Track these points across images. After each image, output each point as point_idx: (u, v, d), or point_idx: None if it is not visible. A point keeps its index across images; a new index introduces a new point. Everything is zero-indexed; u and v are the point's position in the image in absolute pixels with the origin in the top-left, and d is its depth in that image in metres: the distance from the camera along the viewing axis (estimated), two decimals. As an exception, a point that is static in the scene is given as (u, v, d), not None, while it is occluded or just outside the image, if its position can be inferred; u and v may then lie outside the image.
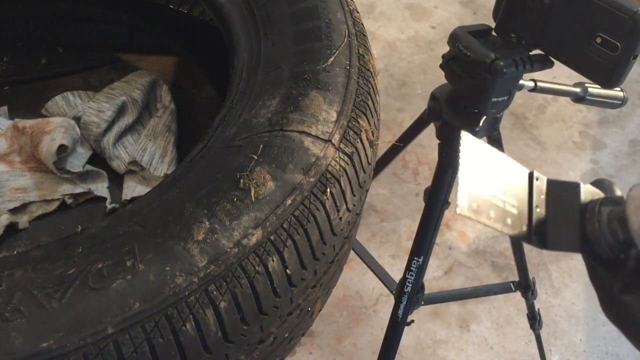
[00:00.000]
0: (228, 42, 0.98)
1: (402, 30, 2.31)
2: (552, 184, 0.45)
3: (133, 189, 1.20)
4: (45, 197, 1.16)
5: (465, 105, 0.82)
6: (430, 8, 2.42)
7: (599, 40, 0.64)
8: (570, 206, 0.44)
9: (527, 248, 1.09)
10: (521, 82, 0.77)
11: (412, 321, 1.06)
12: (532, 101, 2.07)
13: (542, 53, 0.72)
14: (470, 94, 0.77)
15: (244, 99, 0.83)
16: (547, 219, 0.44)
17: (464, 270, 1.57)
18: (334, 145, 0.75)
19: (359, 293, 1.49)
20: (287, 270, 0.68)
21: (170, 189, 0.71)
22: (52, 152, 1.12)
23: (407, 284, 0.97)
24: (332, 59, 0.84)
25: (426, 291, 1.04)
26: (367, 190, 0.86)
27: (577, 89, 0.80)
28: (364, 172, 0.81)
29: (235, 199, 0.67)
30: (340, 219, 0.75)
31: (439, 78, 0.81)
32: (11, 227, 1.12)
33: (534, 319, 1.26)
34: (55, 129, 1.16)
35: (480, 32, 0.76)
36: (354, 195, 0.78)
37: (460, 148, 0.42)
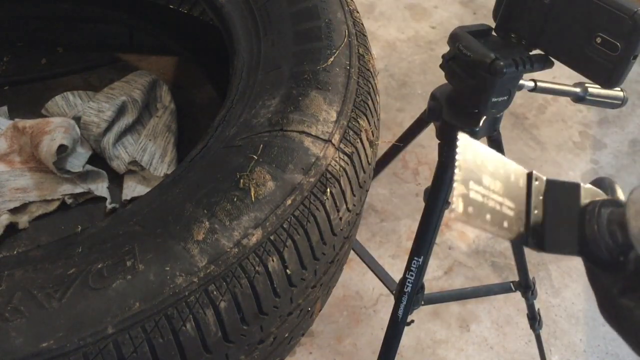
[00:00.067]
0: (228, 42, 0.98)
1: (402, 30, 2.31)
2: (551, 185, 0.44)
3: (133, 189, 1.20)
4: (45, 197, 1.16)
5: (465, 105, 0.82)
6: (430, 8, 2.42)
7: (599, 40, 0.64)
8: (569, 207, 0.43)
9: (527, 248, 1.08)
10: (521, 82, 0.77)
11: (412, 321, 1.06)
12: (532, 101, 2.07)
13: (542, 53, 0.72)
14: (470, 94, 0.77)
15: (244, 99, 0.83)
16: (545, 221, 0.43)
17: (464, 270, 1.57)
18: (334, 145, 0.75)
19: (359, 293, 1.49)
20: (287, 270, 0.68)
21: (170, 189, 0.71)
22: (52, 152, 1.12)
23: (407, 284, 0.97)
24: (332, 59, 0.84)
25: (426, 291, 1.04)
26: (367, 190, 0.86)
27: (577, 89, 0.80)
28: (364, 172, 0.81)
29: (235, 199, 0.67)
30: (340, 219, 0.75)
31: (439, 78, 0.81)
32: (11, 227, 1.12)
33: (534, 319, 1.26)
34: (55, 129, 1.16)
35: (480, 32, 0.76)
36: (354, 195, 0.78)
37: (457, 150, 0.41)
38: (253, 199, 0.67)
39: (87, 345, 0.55)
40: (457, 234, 1.64)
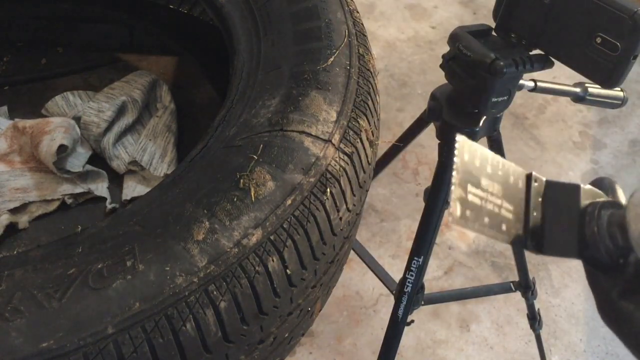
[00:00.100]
0: (228, 42, 0.98)
1: (402, 30, 2.31)
2: (550, 186, 0.43)
3: (133, 189, 1.20)
4: (45, 197, 1.16)
5: (465, 105, 0.82)
6: (430, 8, 2.42)
7: (599, 40, 0.64)
8: (568, 209, 0.42)
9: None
10: (521, 82, 0.77)
11: (412, 321, 1.06)
12: (532, 101, 2.07)
13: (542, 53, 0.72)
14: (470, 94, 0.77)
15: (244, 99, 0.83)
16: (544, 223, 0.42)
17: (464, 270, 1.57)
18: (334, 145, 0.75)
19: (359, 293, 1.49)
20: (287, 270, 0.68)
21: (170, 189, 0.71)
22: (52, 152, 1.12)
23: (407, 284, 0.97)
24: (332, 59, 0.84)
25: (426, 291, 1.04)
26: (367, 190, 0.86)
27: (577, 89, 0.80)
28: (364, 172, 0.81)
29: (235, 199, 0.67)
30: (340, 219, 0.75)
31: (439, 78, 0.81)
32: (11, 227, 1.12)
33: (534, 319, 1.26)
34: (55, 129, 1.16)
35: (480, 32, 0.76)
36: (354, 195, 0.78)
37: (455, 152, 0.40)
38: (253, 199, 0.67)
39: (87, 345, 0.55)
40: (457, 234, 1.64)
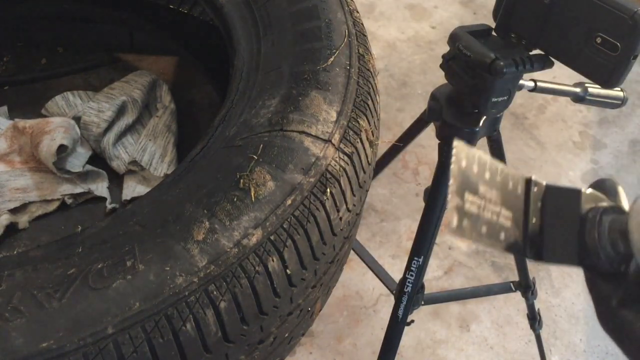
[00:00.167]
0: (228, 42, 0.98)
1: (402, 30, 2.31)
2: (550, 191, 0.42)
3: (133, 189, 1.20)
4: (45, 197, 1.16)
5: (465, 105, 0.82)
6: (430, 8, 2.42)
7: (599, 40, 0.64)
8: (569, 215, 0.41)
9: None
10: (521, 82, 0.77)
11: (412, 321, 1.06)
12: (532, 101, 2.07)
13: (542, 53, 0.72)
14: (470, 94, 0.77)
15: (244, 99, 0.83)
16: (543, 229, 0.41)
17: (464, 270, 1.57)
18: (334, 145, 0.75)
19: (359, 293, 1.49)
20: (287, 270, 0.68)
21: (170, 189, 0.71)
22: (52, 152, 1.12)
23: (407, 284, 0.97)
24: (332, 59, 0.84)
25: (426, 291, 1.04)
26: (367, 190, 0.86)
27: (577, 89, 0.80)
28: (364, 172, 0.81)
29: (235, 199, 0.67)
30: (340, 219, 0.75)
31: (439, 78, 0.81)
32: (11, 227, 1.12)
33: (534, 319, 1.26)
34: (55, 129, 1.16)
35: (480, 32, 0.76)
36: (354, 195, 0.78)
37: (452, 159, 0.38)
38: (253, 199, 0.67)
39: (87, 345, 0.55)
40: (457, 234, 1.64)
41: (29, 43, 1.51)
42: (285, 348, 0.86)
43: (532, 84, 0.78)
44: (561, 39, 0.68)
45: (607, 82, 0.66)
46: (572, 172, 1.86)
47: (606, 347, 1.44)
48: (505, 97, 0.76)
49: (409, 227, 1.63)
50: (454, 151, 0.39)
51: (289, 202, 0.68)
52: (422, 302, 1.04)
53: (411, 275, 0.96)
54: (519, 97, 1.99)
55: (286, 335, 0.81)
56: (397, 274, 1.07)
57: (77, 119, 1.25)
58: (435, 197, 0.90)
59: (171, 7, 1.45)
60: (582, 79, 0.72)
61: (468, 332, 1.45)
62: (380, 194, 1.72)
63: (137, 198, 0.94)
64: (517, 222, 0.41)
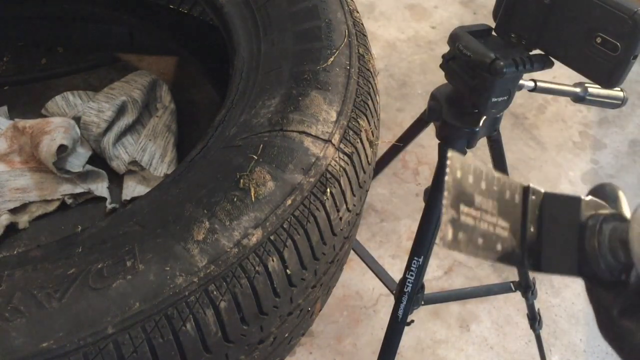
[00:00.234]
0: (228, 42, 0.98)
1: (402, 30, 2.31)
2: (548, 199, 0.40)
3: (133, 189, 1.20)
4: (45, 197, 1.16)
5: (465, 105, 0.82)
6: (430, 8, 2.42)
7: (599, 40, 0.64)
8: (568, 223, 0.40)
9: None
10: (521, 82, 0.77)
11: (412, 321, 1.06)
12: (532, 101, 2.07)
13: (542, 53, 0.72)
14: (470, 94, 0.77)
15: (244, 99, 0.83)
16: (541, 239, 0.40)
17: (464, 270, 1.57)
18: (334, 145, 0.75)
19: (359, 293, 1.49)
20: (287, 270, 0.68)
21: (170, 189, 0.71)
22: (52, 152, 1.12)
23: (407, 284, 0.97)
24: (332, 59, 0.84)
25: (426, 291, 1.04)
26: (367, 190, 0.86)
27: (577, 89, 0.80)
28: (364, 172, 0.81)
29: (235, 199, 0.67)
30: (340, 219, 0.75)
31: (439, 78, 0.81)
32: (11, 227, 1.12)
33: (534, 319, 1.26)
34: (55, 129, 1.16)
35: (480, 32, 0.76)
36: (354, 195, 0.78)
37: (447, 170, 0.37)
38: (253, 199, 0.67)
39: (87, 345, 0.55)
40: (457, 234, 1.64)
41: (29, 43, 1.51)
42: (285, 348, 0.86)
43: (532, 84, 0.78)
44: (561, 39, 0.68)
45: (607, 82, 0.66)
46: (572, 172, 1.86)
47: (606, 347, 1.44)
48: (505, 97, 0.76)
49: (409, 227, 1.63)
50: (448, 162, 0.37)
51: (289, 202, 0.68)
52: (422, 302, 1.04)
53: (411, 275, 0.96)
54: (519, 97, 1.99)
55: (286, 335, 0.81)
56: (397, 274, 1.07)
57: (77, 119, 1.25)
58: (435, 197, 0.90)
59: (171, 7, 1.45)
60: (582, 79, 0.72)
61: (468, 332, 1.45)
62: (380, 194, 1.72)
63: (137, 198, 0.94)
64: (514, 232, 0.40)
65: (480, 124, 0.82)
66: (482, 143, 0.93)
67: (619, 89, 0.81)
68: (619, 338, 0.38)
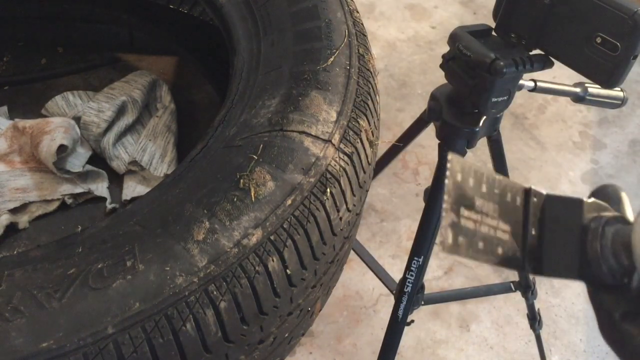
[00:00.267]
0: (228, 42, 0.98)
1: (402, 30, 2.31)
2: (550, 201, 0.40)
3: (133, 189, 1.20)
4: (45, 197, 1.16)
5: (465, 105, 0.82)
6: (430, 8, 2.42)
7: (599, 40, 0.64)
8: (569, 226, 0.39)
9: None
10: (521, 82, 0.77)
11: (412, 321, 1.06)
12: (532, 101, 2.07)
13: (542, 53, 0.72)
14: (470, 94, 0.77)
15: (244, 99, 0.83)
16: (542, 241, 0.39)
17: (464, 270, 1.57)
18: (334, 145, 0.75)
19: (359, 293, 1.49)
20: (287, 270, 0.68)
21: (170, 189, 0.71)
22: (52, 152, 1.12)
23: (407, 284, 0.97)
24: (332, 59, 0.84)
25: (426, 291, 1.04)
26: (367, 190, 0.86)
27: (577, 89, 0.80)
28: (364, 172, 0.81)
29: (235, 199, 0.67)
30: (340, 219, 0.75)
31: (439, 78, 0.81)
32: (11, 227, 1.12)
33: (534, 319, 1.26)
34: (55, 129, 1.16)
35: (480, 32, 0.76)
36: (354, 195, 0.78)
37: (446, 173, 0.37)
38: (253, 199, 0.67)
39: (87, 345, 0.55)
40: (457, 234, 1.64)
41: (29, 43, 1.51)
42: (285, 348, 0.86)
43: (532, 84, 0.78)
44: (561, 39, 0.68)
45: (607, 82, 0.66)
46: (572, 172, 1.86)
47: (606, 347, 1.44)
48: (505, 97, 0.76)
49: (409, 227, 1.63)
50: (448, 165, 0.37)
51: (289, 202, 0.68)
52: (422, 302, 1.04)
53: (411, 275, 0.96)
54: (519, 97, 1.99)
55: (286, 335, 0.81)
56: (397, 274, 1.07)
57: (77, 119, 1.25)
58: (435, 197, 0.90)
59: (171, 7, 1.45)
60: (582, 79, 0.72)
61: (468, 332, 1.45)
62: (380, 194, 1.72)
63: (137, 198, 0.94)
64: (515, 236, 0.39)
65: (480, 124, 0.82)
66: (482, 143, 0.93)
67: (619, 89, 0.81)
68: (620, 341, 0.37)
